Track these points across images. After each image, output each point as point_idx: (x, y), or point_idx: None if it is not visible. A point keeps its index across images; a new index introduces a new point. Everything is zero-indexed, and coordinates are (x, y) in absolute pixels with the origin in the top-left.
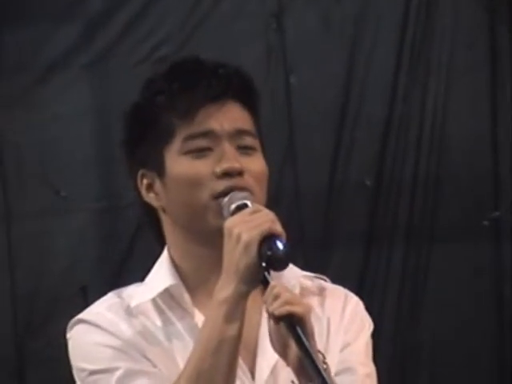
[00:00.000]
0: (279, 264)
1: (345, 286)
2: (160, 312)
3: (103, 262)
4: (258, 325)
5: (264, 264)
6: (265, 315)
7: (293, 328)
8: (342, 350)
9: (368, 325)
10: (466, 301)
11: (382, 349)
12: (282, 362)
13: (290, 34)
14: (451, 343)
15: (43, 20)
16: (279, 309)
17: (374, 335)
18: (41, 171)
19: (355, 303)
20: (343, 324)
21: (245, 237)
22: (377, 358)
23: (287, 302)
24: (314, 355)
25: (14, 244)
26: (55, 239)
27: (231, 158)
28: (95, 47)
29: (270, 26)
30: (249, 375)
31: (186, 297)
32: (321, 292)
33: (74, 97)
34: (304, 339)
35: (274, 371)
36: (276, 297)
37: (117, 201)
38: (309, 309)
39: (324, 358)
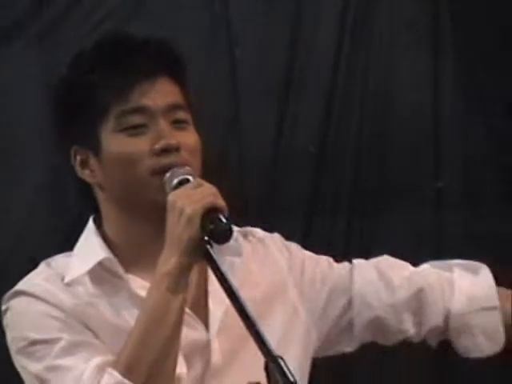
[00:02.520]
0: (222, 237)
1: None
2: (96, 283)
3: (51, 234)
4: (206, 283)
5: (206, 237)
6: (211, 276)
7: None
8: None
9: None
10: None
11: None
12: (231, 312)
13: (234, 7)
14: None
15: None
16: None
17: None
18: None
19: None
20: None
21: (188, 210)
22: None
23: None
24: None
25: None
26: (3, 211)
27: (168, 135)
28: (44, 19)
29: None
30: (203, 327)
31: (120, 268)
32: (260, 240)
33: (23, 67)
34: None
35: (224, 320)
36: None
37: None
38: None
39: None
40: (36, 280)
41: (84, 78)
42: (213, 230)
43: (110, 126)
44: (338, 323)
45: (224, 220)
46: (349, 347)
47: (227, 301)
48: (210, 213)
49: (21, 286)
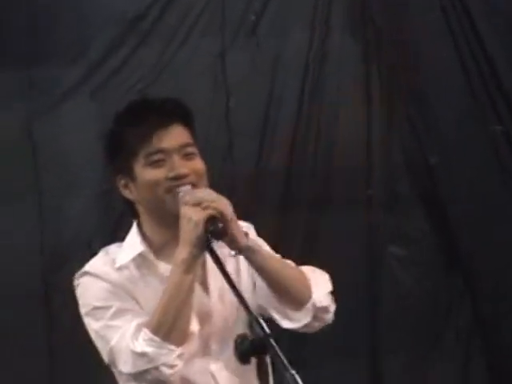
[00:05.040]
0: (218, 235)
1: None
2: (137, 267)
3: (104, 225)
4: (205, 270)
5: (209, 236)
6: (209, 260)
7: (210, 246)
8: None
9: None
10: (346, 255)
11: None
12: (226, 284)
13: (229, 70)
14: None
15: (62, 61)
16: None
17: None
18: (64, 165)
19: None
20: None
21: (195, 218)
22: None
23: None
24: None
25: (43, 210)
26: (72, 207)
27: (178, 167)
28: (95, 82)
29: (215, 64)
30: (205, 293)
31: (153, 257)
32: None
33: (83, 114)
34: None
35: (220, 290)
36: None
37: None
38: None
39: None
40: (97, 264)
41: (121, 130)
42: (212, 231)
43: (141, 162)
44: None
45: (219, 224)
46: None
47: (220, 279)
48: (209, 219)
49: (86, 268)
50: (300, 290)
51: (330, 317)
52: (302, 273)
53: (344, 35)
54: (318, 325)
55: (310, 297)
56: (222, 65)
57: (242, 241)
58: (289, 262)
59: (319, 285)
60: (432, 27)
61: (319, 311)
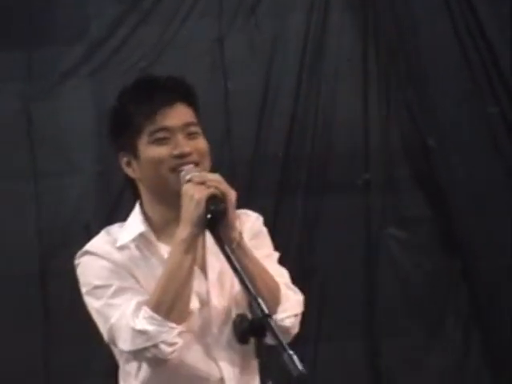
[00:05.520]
0: (219, 215)
1: None
2: (138, 247)
3: (101, 207)
4: (204, 249)
5: (209, 215)
6: (208, 243)
7: (210, 225)
8: None
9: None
10: (344, 239)
11: None
12: (225, 268)
13: (227, 53)
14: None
15: (61, 41)
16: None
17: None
18: (61, 147)
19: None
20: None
21: (196, 196)
22: None
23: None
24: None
25: (39, 192)
26: (69, 190)
27: (182, 145)
28: (95, 62)
29: (213, 47)
30: (203, 277)
31: (154, 238)
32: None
33: (81, 96)
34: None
35: (219, 274)
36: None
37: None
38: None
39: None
40: (98, 243)
41: (125, 107)
42: (213, 210)
43: (144, 140)
44: None
45: (221, 203)
46: None
47: (219, 262)
48: (211, 199)
49: (87, 247)
50: (267, 300)
51: (289, 338)
52: (277, 287)
53: (343, 17)
54: (274, 342)
55: (274, 312)
56: (220, 49)
57: (236, 233)
58: (283, 271)
59: (289, 304)
60: (431, 8)
61: (279, 330)
